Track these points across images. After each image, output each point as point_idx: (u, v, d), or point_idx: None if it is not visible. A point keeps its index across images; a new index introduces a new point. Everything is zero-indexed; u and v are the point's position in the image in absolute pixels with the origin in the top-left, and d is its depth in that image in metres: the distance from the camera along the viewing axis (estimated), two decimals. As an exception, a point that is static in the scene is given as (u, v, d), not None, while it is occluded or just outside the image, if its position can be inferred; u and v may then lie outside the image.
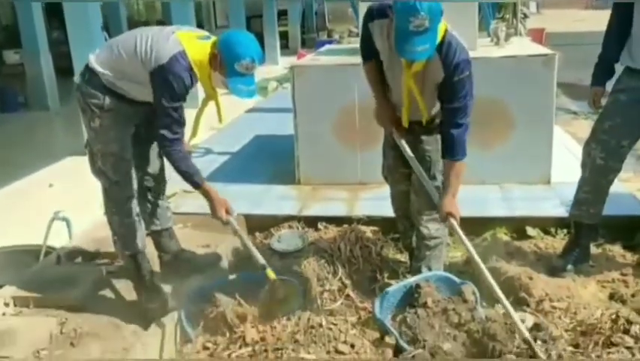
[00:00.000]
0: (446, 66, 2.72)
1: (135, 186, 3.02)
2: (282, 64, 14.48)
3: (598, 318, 2.78)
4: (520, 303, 3.06)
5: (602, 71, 3.32)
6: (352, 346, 2.64)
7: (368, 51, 3.03)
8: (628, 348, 2.53)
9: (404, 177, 3.23)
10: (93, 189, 3.21)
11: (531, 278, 3.17)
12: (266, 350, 2.62)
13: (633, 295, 3.12)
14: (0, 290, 3.15)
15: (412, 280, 3.02)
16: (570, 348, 2.62)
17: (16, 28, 9.90)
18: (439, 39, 2.66)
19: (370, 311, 3.03)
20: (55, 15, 12.34)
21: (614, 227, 3.72)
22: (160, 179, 3.26)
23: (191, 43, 2.77)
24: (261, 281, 2.93)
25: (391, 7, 2.70)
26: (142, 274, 3.05)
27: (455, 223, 2.90)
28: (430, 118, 2.97)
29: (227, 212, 2.93)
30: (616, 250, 3.61)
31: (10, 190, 5.61)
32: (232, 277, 3.21)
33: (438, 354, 2.56)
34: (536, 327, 2.75)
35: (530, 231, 3.89)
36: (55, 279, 3.25)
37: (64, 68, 8.81)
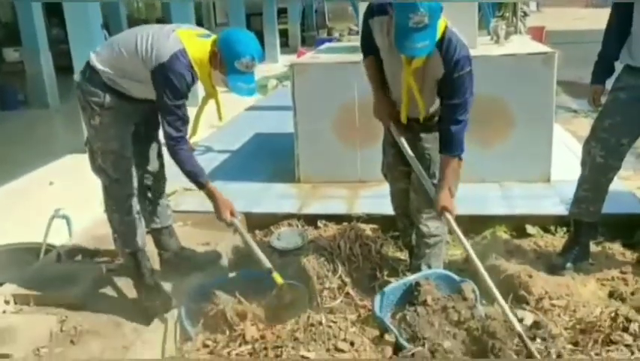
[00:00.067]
0: (446, 63, 2.72)
1: (135, 184, 3.02)
2: (281, 62, 14.47)
3: (597, 316, 2.79)
4: (519, 301, 3.07)
5: (602, 69, 3.32)
6: (352, 344, 2.64)
7: (368, 47, 3.04)
8: (627, 346, 2.54)
9: (404, 175, 3.23)
10: (93, 187, 3.22)
11: (531, 276, 3.17)
12: (266, 348, 2.62)
13: (632, 293, 3.12)
14: (0, 288, 3.16)
15: (411, 278, 3.02)
16: (569, 346, 2.62)
17: (15, 25, 9.89)
18: (438, 35, 2.66)
19: (370, 309, 3.03)
20: (54, 13, 12.33)
21: (614, 225, 3.72)
22: (160, 177, 3.26)
23: (191, 41, 2.78)
24: (261, 279, 2.93)
25: (391, 4, 2.70)
26: (142, 272, 3.06)
27: (450, 218, 2.91)
28: (428, 115, 2.97)
29: (232, 214, 2.92)
30: (615, 248, 3.61)
31: (10, 188, 5.61)
32: (232, 274, 3.22)
33: (437, 352, 2.57)
34: (536, 325, 2.76)
35: (530, 229, 3.89)
36: (56, 277, 3.26)
37: (63, 66, 8.81)
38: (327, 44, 6.88)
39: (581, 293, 3.14)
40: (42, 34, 9.56)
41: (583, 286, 3.20)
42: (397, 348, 2.69)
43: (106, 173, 2.93)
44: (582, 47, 8.57)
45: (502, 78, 4.41)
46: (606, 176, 3.27)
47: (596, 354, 2.51)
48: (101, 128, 2.85)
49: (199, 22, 14.47)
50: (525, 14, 8.08)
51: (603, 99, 3.32)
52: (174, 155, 2.81)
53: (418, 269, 3.16)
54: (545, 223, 3.91)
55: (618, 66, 3.25)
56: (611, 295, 3.17)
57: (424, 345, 2.61)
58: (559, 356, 2.46)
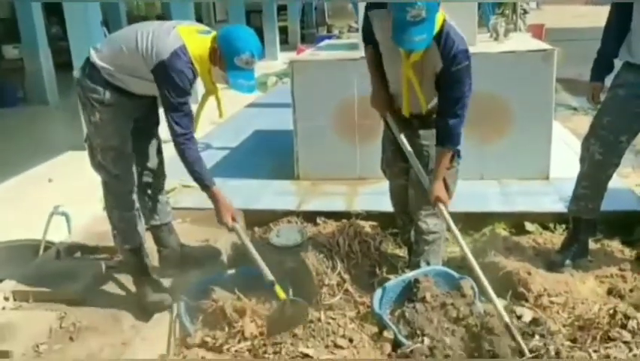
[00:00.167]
0: (444, 56, 2.73)
1: (135, 180, 3.02)
2: (281, 59, 14.47)
3: (596, 313, 2.79)
4: (518, 298, 3.08)
5: (601, 66, 3.32)
6: (351, 340, 2.64)
7: (368, 37, 3.07)
8: (625, 343, 2.54)
9: (403, 172, 3.23)
10: (92, 183, 3.22)
11: (529, 273, 3.18)
12: (265, 345, 2.62)
13: (631, 290, 3.13)
14: (0, 284, 3.16)
15: (410, 274, 3.02)
16: (568, 343, 2.62)
17: (15, 22, 9.88)
18: (437, 29, 2.67)
19: (369, 306, 3.03)
20: (54, 11, 12.31)
21: (613, 222, 3.72)
22: (159, 174, 3.26)
23: (192, 37, 2.77)
24: (260, 276, 2.93)
25: None
26: (141, 269, 3.06)
27: (444, 208, 2.92)
28: (429, 110, 2.97)
29: (234, 219, 2.91)
30: (614, 245, 3.62)
31: (9, 185, 5.61)
32: (231, 271, 3.22)
33: (436, 348, 2.57)
34: (534, 322, 2.76)
35: (529, 226, 3.90)
36: (55, 274, 3.26)
37: (63, 63, 8.80)
38: (326, 41, 6.88)
39: (580, 290, 3.14)
40: (41, 32, 9.55)
41: (582, 283, 3.21)
42: (396, 345, 2.69)
43: (106, 169, 2.93)
44: (582, 45, 8.55)
45: (501, 75, 4.41)
46: (605, 173, 3.27)
47: (595, 351, 2.51)
48: (101, 124, 2.85)
49: (199, 20, 14.41)
50: (525, 12, 8.08)
51: (602, 96, 3.32)
52: (183, 153, 2.78)
53: (417, 266, 3.16)
54: (544, 220, 3.91)
55: (617, 63, 3.25)
56: (609, 292, 3.18)
57: (422, 342, 2.61)
58: (557, 352, 2.46)
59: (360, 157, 4.73)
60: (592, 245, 3.54)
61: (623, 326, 2.62)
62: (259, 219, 4.13)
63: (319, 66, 4.78)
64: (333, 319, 2.78)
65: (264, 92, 10.09)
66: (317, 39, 14.40)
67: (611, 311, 2.71)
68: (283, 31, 18.50)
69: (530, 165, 4.59)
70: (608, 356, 2.45)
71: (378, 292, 2.92)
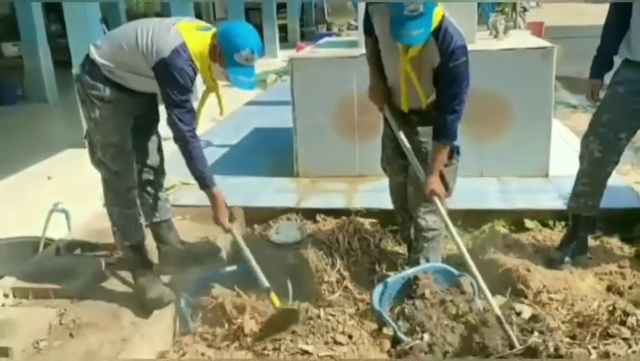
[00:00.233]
0: (442, 52, 2.73)
1: (135, 177, 3.02)
2: (281, 57, 14.44)
3: (595, 310, 2.79)
4: (517, 295, 3.08)
5: (601, 63, 3.33)
6: (350, 337, 2.65)
7: (369, 29, 3.07)
8: (624, 339, 2.54)
9: (402, 169, 3.24)
10: (92, 181, 3.22)
11: (529, 270, 3.18)
12: (264, 341, 2.63)
13: (630, 287, 3.13)
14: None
15: (410, 271, 3.02)
16: (567, 339, 2.62)
17: (14, 20, 9.86)
18: (435, 24, 2.68)
19: (368, 303, 3.03)
20: (53, 9, 12.29)
21: (612, 219, 3.73)
22: (159, 171, 3.26)
23: (192, 34, 2.77)
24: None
25: None
26: (141, 266, 3.06)
27: (438, 201, 2.93)
28: (428, 105, 2.97)
29: (231, 221, 2.93)
30: (613, 242, 3.62)
31: (8, 183, 5.60)
32: (230, 268, 3.22)
33: (435, 345, 2.58)
34: (534, 318, 2.76)
35: (528, 223, 3.90)
36: (55, 270, 3.26)
37: (62, 61, 8.78)
38: (326, 39, 6.88)
39: (579, 287, 3.15)
40: (41, 29, 9.53)
41: (581, 280, 3.21)
42: (395, 341, 2.70)
43: (106, 166, 2.93)
44: (581, 42, 8.55)
45: (501, 73, 4.41)
46: (604, 170, 3.28)
47: (594, 347, 2.51)
48: (100, 121, 2.85)
49: (198, 17, 14.39)
50: (524, 9, 8.09)
51: (602, 94, 3.33)
52: (186, 151, 2.78)
53: (417, 263, 3.16)
54: (544, 218, 3.92)
55: (617, 61, 3.26)
56: (608, 289, 3.18)
57: (422, 338, 2.62)
58: (556, 349, 2.46)
59: (359, 154, 4.73)
60: (591, 242, 3.55)
61: (622, 323, 2.62)
62: (259, 216, 4.13)
63: (319, 64, 4.77)
64: (333, 316, 2.78)
65: (264, 89, 10.08)
66: (316, 37, 14.40)
67: (610, 308, 2.71)
68: (283, 28, 18.46)
69: (530, 162, 4.60)
70: (607, 353, 2.45)
71: (378, 288, 2.93)
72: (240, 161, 5.51)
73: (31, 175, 5.80)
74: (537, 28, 11.02)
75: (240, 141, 6.30)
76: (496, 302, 2.75)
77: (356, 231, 3.65)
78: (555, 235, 3.71)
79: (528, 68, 4.42)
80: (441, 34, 2.71)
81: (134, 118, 2.98)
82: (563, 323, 2.85)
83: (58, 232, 3.84)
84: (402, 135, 3.06)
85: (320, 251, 3.45)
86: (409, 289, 2.93)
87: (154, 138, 3.20)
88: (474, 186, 4.27)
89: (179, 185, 4.44)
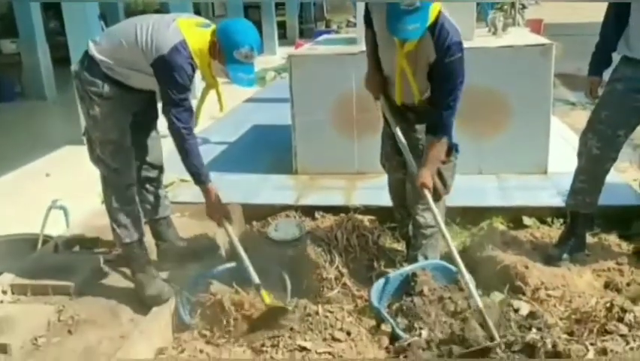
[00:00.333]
0: (438, 47, 2.74)
1: (134, 174, 3.02)
2: (279, 54, 14.44)
3: (593, 306, 2.79)
4: (515, 291, 3.08)
5: (599, 60, 3.33)
6: (348, 333, 2.65)
7: (369, 21, 3.07)
8: (622, 336, 2.54)
9: (401, 165, 3.24)
10: (90, 178, 3.22)
11: (527, 267, 3.19)
12: (262, 338, 2.63)
13: (628, 284, 3.13)
14: (-2, 278, 3.17)
15: (408, 268, 3.03)
16: (565, 336, 2.62)
17: (12, 17, 9.85)
18: (431, 20, 2.68)
19: (367, 300, 3.04)
20: (51, 6, 12.27)
21: (610, 217, 3.73)
22: (158, 168, 3.26)
23: (191, 31, 2.77)
24: (258, 270, 2.93)
25: None
26: (140, 263, 3.06)
27: (428, 194, 2.93)
28: (422, 100, 2.97)
29: (226, 217, 2.94)
30: (611, 239, 3.63)
31: (7, 180, 5.60)
32: (229, 265, 3.22)
33: (433, 342, 2.58)
34: (532, 315, 2.77)
35: (527, 220, 3.90)
36: (53, 267, 3.26)
37: (60, 58, 8.78)
38: (325, 36, 6.87)
39: (577, 284, 3.15)
40: (39, 26, 9.52)
41: (579, 277, 3.21)
42: (394, 338, 2.70)
43: (104, 163, 2.93)
44: (580, 39, 8.56)
45: (499, 70, 4.41)
46: (603, 167, 3.28)
47: (592, 344, 2.51)
48: (99, 118, 2.84)
49: (197, 13, 14.39)
50: (523, 7, 8.09)
51: (600, 91, 3.33)
52: (182, 148, 2.79)
53: (415, 260, 3.17)
54: (542, 215, 3.92)
55: (616, 58, 3.26)
56: (606, 285, 3.18)
57: (420, 335, 2.63)
58: (554, 345, 2.47)
59: (358, 151, 4.73)
60: (589, 239, 3.55)
61: (620, 320, 2.62)
62: (257, 213, 4.13)
63: (317, 61, 4.77)
64: (331, 312, 2.79)
65: (263, 86, 10.08)
66: (315, 34, 14.37)
67: (608, 305, 2.71)
68: (281, 25, 18.46)
69: (528, 159, 4.60)
70: (604, 349, 2.45)
71: (376, 286, 2.93)
72: (238, 158, 5.51)
73: (30, 172, 5.80)
74: (536, 26, 11.03)
75: (239, 138, 6.30)
76: (497, 300, 2.76)
77: (355, 228, 3.65)
78: (553, 231, 3.71)
79: (527, 65, 4.42)
80: (437, 30, 2.72)
81: (133, 115, 2.97)
82: (561, 319, 2.86)
83: (57, 228, 3.84)
84: (398, 131, 3.07)
85: (318, 248, 3.45)
86: (407, 286, 2.94)
87: (153, 134, 3.20)
88: (472, 184, 4.27)
89: (177, 182, 4.44)
